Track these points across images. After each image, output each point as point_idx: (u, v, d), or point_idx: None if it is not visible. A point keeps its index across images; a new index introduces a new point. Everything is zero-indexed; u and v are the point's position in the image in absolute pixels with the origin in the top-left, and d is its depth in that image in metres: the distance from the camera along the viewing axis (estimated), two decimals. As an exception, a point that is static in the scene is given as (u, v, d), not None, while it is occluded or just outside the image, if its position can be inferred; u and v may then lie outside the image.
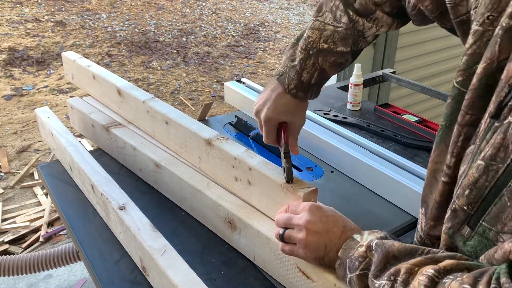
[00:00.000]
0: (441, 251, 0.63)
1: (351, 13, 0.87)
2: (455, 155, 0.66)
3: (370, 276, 0.66)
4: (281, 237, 0.80)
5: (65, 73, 1.68)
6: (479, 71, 0.61)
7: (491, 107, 0.58)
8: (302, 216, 0.78)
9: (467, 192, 0.62)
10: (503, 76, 0.57)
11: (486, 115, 0.60)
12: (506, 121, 0.55)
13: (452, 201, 0.66)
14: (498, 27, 0.58)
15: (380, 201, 1.21)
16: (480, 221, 0.61)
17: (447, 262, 0.58)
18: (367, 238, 0.71)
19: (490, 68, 0.59)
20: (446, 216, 0.67)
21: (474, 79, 0.62)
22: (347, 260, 0.71)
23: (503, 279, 0.50)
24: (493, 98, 0.58)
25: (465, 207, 0.63)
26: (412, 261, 0.61)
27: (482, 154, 0.59)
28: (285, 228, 0.80)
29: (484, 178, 0.59)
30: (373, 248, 0.67)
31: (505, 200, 0.57)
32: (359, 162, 1.26)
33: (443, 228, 0.68)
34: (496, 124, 0.57)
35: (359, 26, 0.88)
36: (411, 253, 0.63)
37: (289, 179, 0.91)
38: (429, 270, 0.57)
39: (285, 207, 0.85)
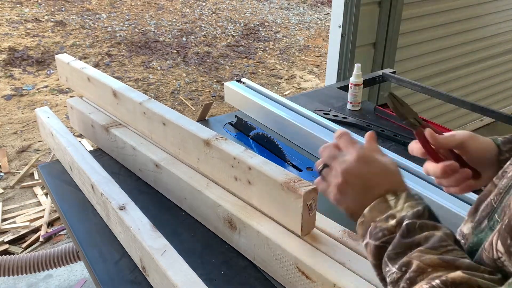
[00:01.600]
0: (465, 256, 0.56)
1: None
2: None
3: (385, 255, 0.59)
4: (320, 172, 0.73)
5: (59, 76, 1.63)
6: None
7: None
8: (345, 161, 0.68)
9: (498, 183, 0.61)
10: None
11: None
12: None
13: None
14: None
15: (380, 201, 1.21)
16: (494, 214, 0.58)
17: (458, 274, 0.51)
18: (402, 207, 0.62)
19: None
20: (480, 208, 0.64)
21: None
22: (372, 223, 0.63)
23: None
24: None
25: (492, 199, 0.60)
26: (428, 259, 0.54)
27: None
28: (326, 165, 0.72)
29: None
30: (402, 228, 0.59)
31: None
32: (359, 162, 1.26)
33: (473, 223, 0.65)
34: None
35: None
36: (433, 246, 0.56)
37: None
38: (436, 280, 0.51)
39: (334, 142, 0.76)
